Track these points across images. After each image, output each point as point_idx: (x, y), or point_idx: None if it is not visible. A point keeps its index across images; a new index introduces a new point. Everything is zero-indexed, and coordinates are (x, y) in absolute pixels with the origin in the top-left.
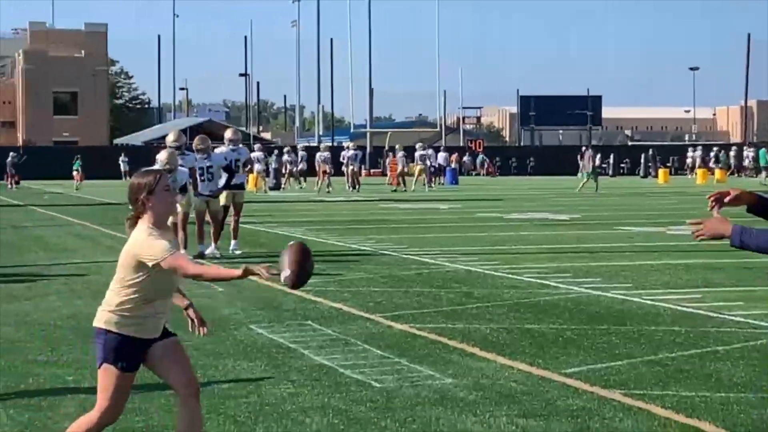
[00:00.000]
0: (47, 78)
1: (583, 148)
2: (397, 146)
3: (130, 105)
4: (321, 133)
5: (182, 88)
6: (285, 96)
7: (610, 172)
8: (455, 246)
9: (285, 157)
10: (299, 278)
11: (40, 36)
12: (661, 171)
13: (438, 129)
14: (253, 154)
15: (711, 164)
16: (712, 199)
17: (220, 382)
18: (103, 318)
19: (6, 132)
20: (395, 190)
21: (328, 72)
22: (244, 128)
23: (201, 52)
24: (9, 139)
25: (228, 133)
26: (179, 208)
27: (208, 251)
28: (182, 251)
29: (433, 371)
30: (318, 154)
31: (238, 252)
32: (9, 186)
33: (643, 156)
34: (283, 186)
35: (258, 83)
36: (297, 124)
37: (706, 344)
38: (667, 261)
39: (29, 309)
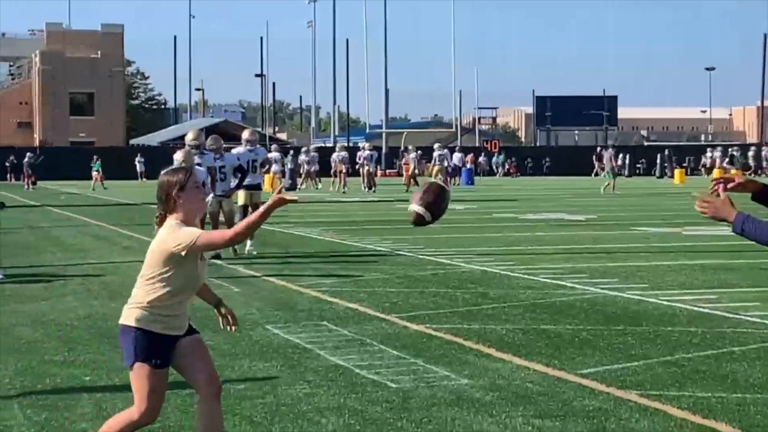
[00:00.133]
0: (64, 79)
1: (599, 149)
2: (410, 147)
3: (146, 105)
4: (337, 133)
5: (198, 89)
6: (301, 96)
7: (626, 173)
8: (471, 246)
9: (302, 157)
10: (430, 212)
11: (57, 37)
12: (677, 171)
13: (453, 129)
14: (270, 155)
15: (725, 164)
16: (715, 182)
17: (236, 382)
18: (132, 315)
19: (23, 132)
20: (408, 191)
21: (344, 72)
22: (259, 129)
23: (217, 52)
24: (26, 139)
25: (245, 134)
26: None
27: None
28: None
29: (449, 372)
30: (335, 154)
31: (254, 252)
32: (25, 186)
33: (659, 156)
34: (298, 186)
35: (274, 84)
36: (313, 124)
37: (723, 345)
38: (683, 261)
39: (46, 309)
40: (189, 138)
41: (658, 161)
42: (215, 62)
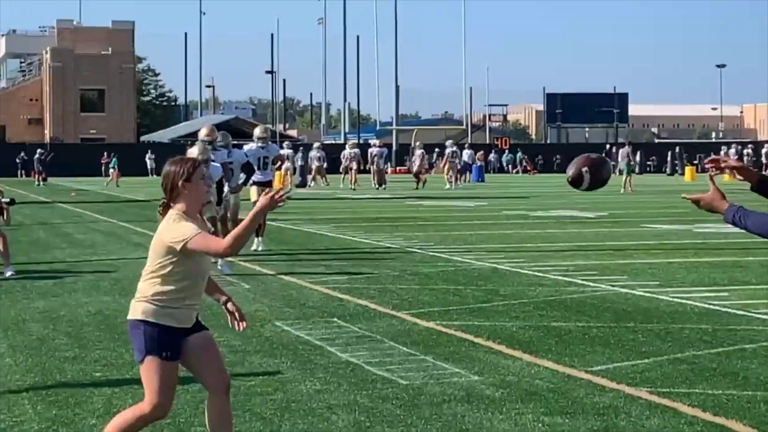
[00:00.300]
0: (74, 75)
1: (608, 146)
2: (417, 143)
3: (157, 102)
4: (347, 130)
5: (209, 86)
6: (311, 93)
7: (637, 170)
8: (481, 243)
9: (313, 153)
10: (590, 175)
11: (68, 33)
12: (687, 169)
13: (464, 126)
14: (282, 151)
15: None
16: (710, 160)
17: (246, 378)
18: (140, 309)
19: (33, 129)
20: (417, 188)
21: (355, 69)
22: (270, 126)
23: (227, 49)
24: (36, 136)
25: (257, 131)
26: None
27: None
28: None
29: (460, 369)
30: (347, 151)
31: (259, 249)
32: (36, 183)
33: (669, 154)
34: (308, 184)
35: (284, 81)
36: (323, 121)
37: (733, 342)
38: (693, 259)
39: (57, 305)
40: (203, 133)
41: (669, 158)
42: (226, 59)
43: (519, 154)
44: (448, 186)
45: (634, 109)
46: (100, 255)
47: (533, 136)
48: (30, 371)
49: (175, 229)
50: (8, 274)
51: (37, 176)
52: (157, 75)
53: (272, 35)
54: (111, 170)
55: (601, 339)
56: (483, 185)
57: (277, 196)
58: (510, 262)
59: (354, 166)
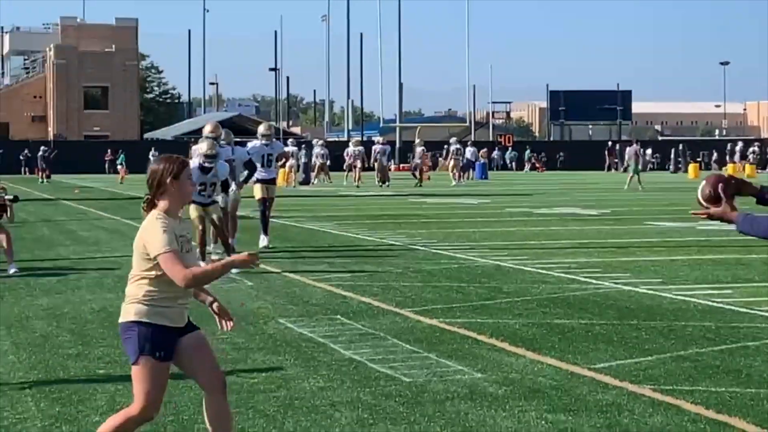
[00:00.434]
0: (78, 72)
1: (610, 143)
2: (417, 141)
3: (161, 99)
4: (350, 127)
5: (212, 83)
6: (315, 91)
7: (648, 168)
8: (484, 241)
9: (317, 150)
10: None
11: (71, 30)
12: (691, 166)
13: (467, 124)
14: (287, 149)
15: (735, 159)
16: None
17: (250, 376)
18: (132, 311)
19: (37, 126)
20: (419, 185)
21: (358, 67)
22: (273, 123)
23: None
24: (40, 133)
25: (261, 128)
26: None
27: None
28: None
29: (463, 366)
30: (351, 149)
31: (269, 246)
32: (40, 180)
33: (673, 151)
34: (312, 181)
35: (288, 78)
36: (326, 118)
37: (736, 340)
38: (697, 256)
39: (60, 302)
40: (207, 130)
41: (672, 156)
42: (229, 56)
43: (528, 152)
44: (454, 183)
45: (637, 107)
46: (104, 252)
47: (536, 134)
48: (33, 368)
49: (153, 235)
50: (12, 271)
51: (40, 173)
52: (160, 72)
53: (276, 33)
54: (119, 167)
55: (604, 336)
56: (486, 182)
57: (256, 260)
58: (513, 259)
59: (358, 163)
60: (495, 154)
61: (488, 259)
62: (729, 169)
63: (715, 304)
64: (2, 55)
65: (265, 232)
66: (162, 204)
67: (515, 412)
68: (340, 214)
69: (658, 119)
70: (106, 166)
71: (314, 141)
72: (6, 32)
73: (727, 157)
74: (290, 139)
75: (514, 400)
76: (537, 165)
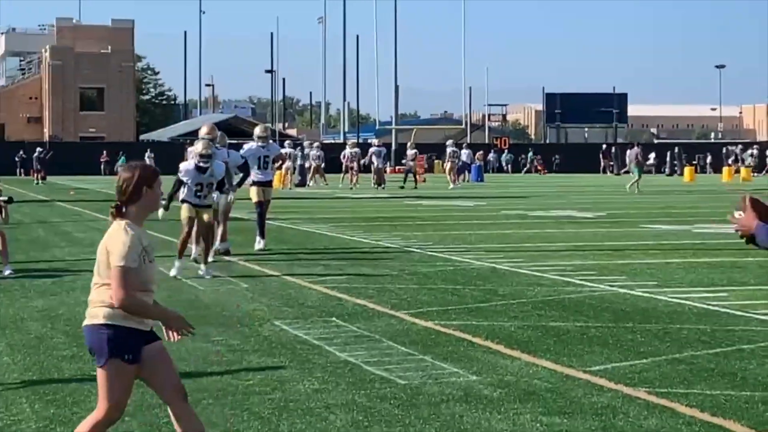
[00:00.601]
0: (74, 74)
1: (604, 146)
2: (409, 143)
3: (157, 101)
4: (346, 129)
5: (208, 84)
6: (311, 93)
7: (653, 171)
8: (480, 243)
9: (313, 152)
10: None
11: (67, 32)
12: (686, 169)
13: (463, 126)
14: (284, 150)
15: (730, 162)
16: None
17: (244, 378)
18: (101, 313)
19: (32, 127)
20: (407, 187)
21: (354, 69)
22: (269, 125)
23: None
24: (35, 134)
25: (258, 130)
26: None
27: (221, 247)
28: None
29: (458, 368)
30: (348, 151)
31: (258, 247)
32: (35, 181)
33: (668, 154)
34: (308, 183)
35: (284, 80)
36: (322, 120)
37: (732, 343)
38: (692, 259)
39: (55, 304)
40: (203, 132)
41: (668, 159)
42: (225, 58)
43: (530, 154)
44: (451, 186)
45: (633, 110)
46: None
47: (532, 136)
48: (28, 370)
49: (117, 246)
50: (7, 272)
51: (36, 175)
52: (156, 74)
53: (272, 34)
54: (119, 168)
55: (599, 339)
56: (482, 185)
57: (185, 330)
58: (509, 261)
59: (355, 165)
60: (491, 156)
61: (484, 262)
62: (724, 173)
63: (710, 307)
64: None
65: (262, 235)
66: (131, 211)
67: (510, 414)
68: (336, 217)
69: (654, 122)
70: (102, 167)
71: (305, 143)
72: (2, 33)
73: (724, 161)
74: (287, 141)
75: (509, 402)
76: (539, 167)
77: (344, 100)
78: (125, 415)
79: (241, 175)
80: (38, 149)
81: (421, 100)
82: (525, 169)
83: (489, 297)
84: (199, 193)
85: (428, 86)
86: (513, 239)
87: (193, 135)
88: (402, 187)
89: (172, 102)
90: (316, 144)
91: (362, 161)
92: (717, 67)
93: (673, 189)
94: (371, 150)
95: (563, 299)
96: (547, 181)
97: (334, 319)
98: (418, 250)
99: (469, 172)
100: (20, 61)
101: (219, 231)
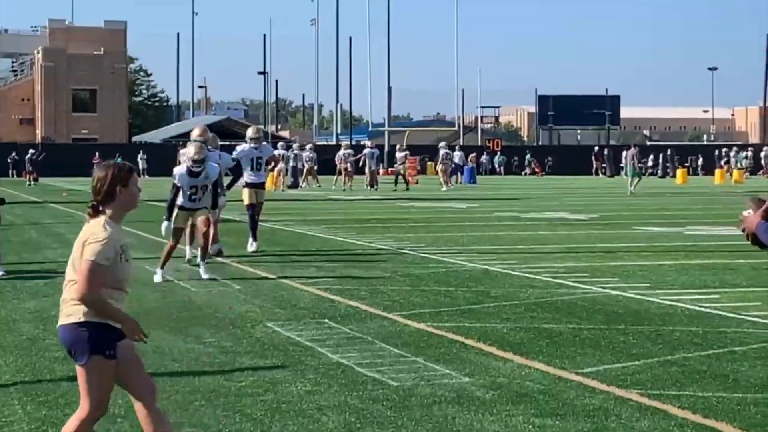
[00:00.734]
0: (66, 75)
1: (596, 148)
2: (397, 146)
3: (149, 102)
4: (339, 131)
5: (201, 86)
6: (303, 94)
7: (651, 173)
8: (473, 245)
9: (306, 154)
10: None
11: (60, 33)
12: (679, 171)
13: (456, 128)
14: (277, 152)
15: (722, 163)
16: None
17: (237, 380)
18: (77, 311)
19: (25, 129)
20: (399, 189)
21: (347, 70)
22: (262, 126)
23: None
24: (28, 136)
25: (250, 131)
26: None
27: (213, 248)
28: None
29: (450, 370)
30: (341, 152)
31: (251, 249)
32: (28, 183)
33: (661, 156)
34: (301, 185)
35: (276, 81)
36: (315, 122)
37: (724, 345)
38: (684, 261)
39: (47, 305)
40: (195, 134)
41: (661, 161)
42: (218, 59)
43: (528, 156)
44: (444, 188)
45: (625, 112)
46: None
47: (525, 138)
48: (20, 371)
49: (94, 240)
50: None
51: (28, 176)
52: (149, 75)
53: (264, 36)
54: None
55: (591, 341)
56: (474, 187)
57: (137, 337)
58: (501, 263)
59: (348, 167)
60: (483, 158)
61: (476, 264)
62: (717, 175)
63: (702, 308)
64: None
65: (254, 237)
66: (108, 211)
67: (502, 416)
68: (329, 218)
69: (646, 124)
70: (94, 169)
71: (295, 145)
72: None
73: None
74: (280, 143)
75: (501, 404)
76: (536, 169)
77: (337, 101)
78: (117, 416)
79: (231, 177)
80: (31, 151)
81: (413, 102)
82: (524, 171)
83: (481, 299)
84: (193, 197)
85: (421, 88)
86: (505, 241)
87: (185, 137)
88: (394, 190)
89: (165, 103)
90: (308, 145)
91: (360, 160)
92: (709, 69)
93: (665, 191)
94: (365, 151)
95: (556, 301)
96: (539, 183)
97: (326, 320)
98: (411, 252)
99: (462, 173)
100: (12, 62)
101: (211, 232)
